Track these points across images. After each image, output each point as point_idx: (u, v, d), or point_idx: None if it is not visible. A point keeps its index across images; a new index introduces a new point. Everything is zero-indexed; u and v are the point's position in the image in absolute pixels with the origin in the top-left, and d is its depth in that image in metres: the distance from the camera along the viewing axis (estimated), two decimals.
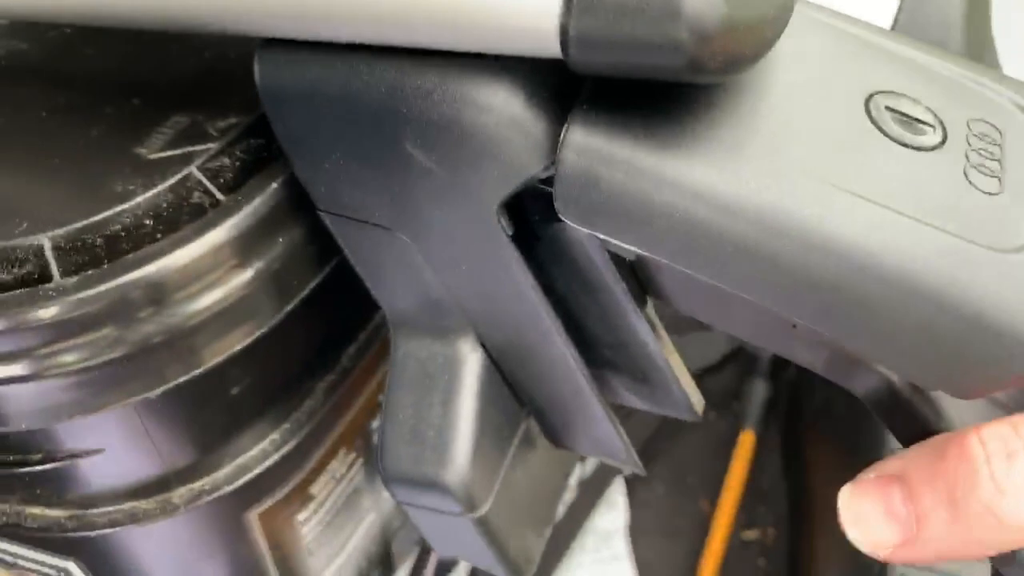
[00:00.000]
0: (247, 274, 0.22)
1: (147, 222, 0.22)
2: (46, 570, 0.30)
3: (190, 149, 0.24)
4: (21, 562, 0.30)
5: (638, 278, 0.25)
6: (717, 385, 0.71)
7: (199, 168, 0.23)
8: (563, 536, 0.63)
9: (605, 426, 0.27)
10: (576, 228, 0.21)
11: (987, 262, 0.18)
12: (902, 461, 0.21)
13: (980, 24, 0.37)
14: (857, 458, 0.52)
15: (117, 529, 0.26)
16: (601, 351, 0.26)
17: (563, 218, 0.21)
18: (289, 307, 0.24)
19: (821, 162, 0.19)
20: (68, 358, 0.20)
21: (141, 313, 0.21)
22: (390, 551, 0.41)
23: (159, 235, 0.22)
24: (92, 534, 0.26)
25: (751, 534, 0.63)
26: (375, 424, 0.35)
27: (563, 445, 0.29)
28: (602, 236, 0.21)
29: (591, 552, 0.61)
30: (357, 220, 0.23)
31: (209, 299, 0.22)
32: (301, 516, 0.31)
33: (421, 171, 0.21)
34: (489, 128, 0.20)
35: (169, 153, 0.24)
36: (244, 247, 0.22)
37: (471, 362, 0.25)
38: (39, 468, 0.24)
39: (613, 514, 0.63)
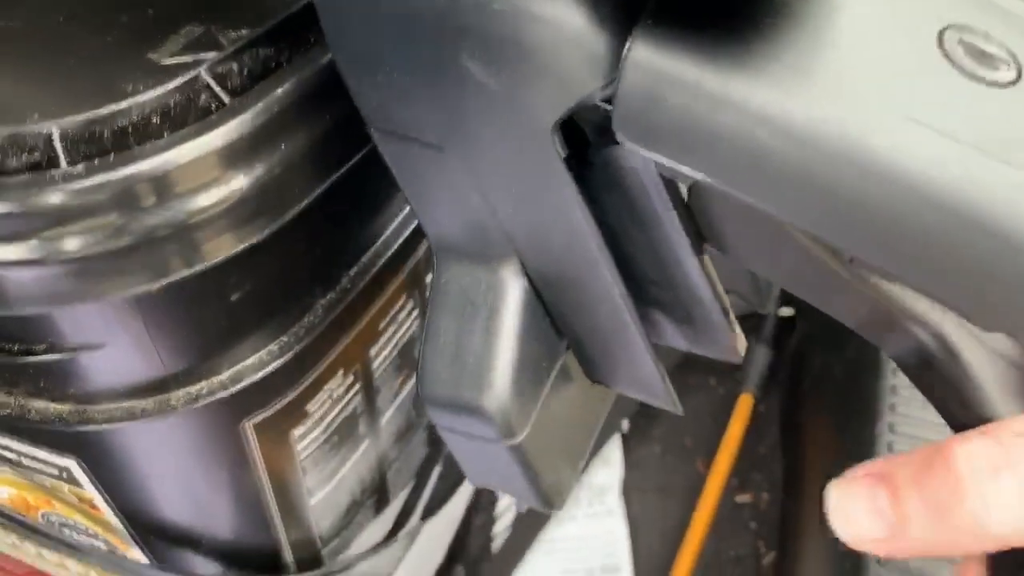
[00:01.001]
0: (249, 176, 0.23)
1: (154, 119, 0.22)
2: (49, 469, 0.31)
3: (201, 56, 0.24)
4: (25, 460, 0.31)
5: (692, 216, 0.24)
6: None
7: (207, 71, 0.23)
8: None
9: (646, 363, 0.26)
10: (631, 155, 0.21)
11: None
12: (889, 464, 0.22)
13: None
14: (850, 428, 0.53)
15: (116, 425, 0.27)
16: (647, 288, 0.26)
17: (621, 139, 0.20)
18: (289, 214, 0.24)
19: (890, 92, 0.19)
20: (71, 244, 0.21)
21: (144, 204, 0.21)
22: (385, 481, 0.42)
23: (165, 132, 0.22)
24: (92, 429, 0.27)
25: (744, 497, 0.63)
26: (374, 351, 0.35)
27: (600, 381, 0.29)
28: (660, 159, 0.20)
29: (584, 506, 0.62)
30: (407, 138, 0.23)
31: (211, 197, 0.22)
32: (296, 432, 0.32)
33: (476, 86, 0.20)
34: (548, 42, 0.19)
35: (180, 59, 0.24)
36: (247, 149, 0.23)
37: (514, 290, 0.25)
38: (43, 358, 0.25)
39: (609, 470, 0.64)
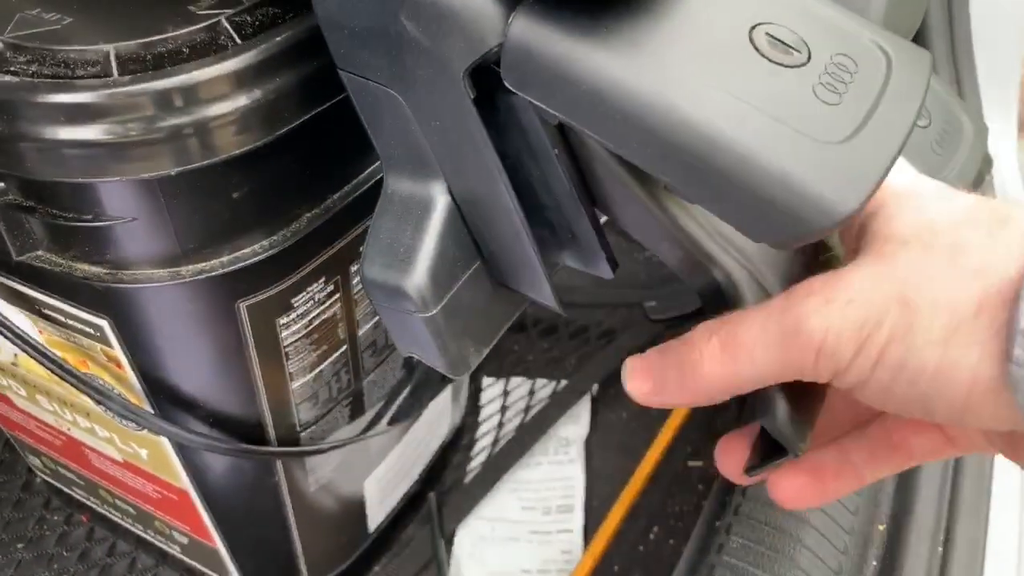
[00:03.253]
0: (250, 98, 0.31)
1: (184, 50, 0.31)
2: (87, 328, 0.39)
3: (225, 9, 0.33)
4: (70, 321, 0.40)
5: (574, 155, 0.32)
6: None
7: (227, 20, 0.32)
8: (529, 438, 0.71)
9: (536, 270, 0.34)
10: (520, 100, 0.28)
11: (806, 148, 0.25)
12: (664, 345, 0.31)
13: (908, 5, 0.44)
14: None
15: (139, 286, 0.35)
16: (542, 212, 0.33)
17: (505, 83, 0.27)
18: (279, 132, 0.32)
19: (699, 63, 0.26)
20: (113, 131, 0.29)
21: (173, 108, 0.30)
22: (361, 389, 0.50)
23: (191, 60, 0.30)
24: (121, 287, 0.35)
25: (696, 463, 0.70)
26: (355, 268, 0.43)
27: (503, 283, 0.36)
28: (533, 101, 0.27)
29: (551, 454, 0.70)
30: (363, 78, 0.30)
31: (220, 109, 0.30)
32: (281, 320, 0.40)
33: (410, 40, 0.28)
34: (460, 10, 0.27)
35: (210, 11, 0.33)
36: (249, 78, 0.31)
37: (439, 204, 0.32)
38: (89, 225, 0.33)
39: (576, 426, 0.71)
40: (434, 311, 0.32)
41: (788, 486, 0.33)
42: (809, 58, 0.27)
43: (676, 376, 0.30)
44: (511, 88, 0.28)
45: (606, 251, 0.33)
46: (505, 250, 0.34)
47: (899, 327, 0.26)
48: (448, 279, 0.33)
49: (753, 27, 0.28)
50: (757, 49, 0.27)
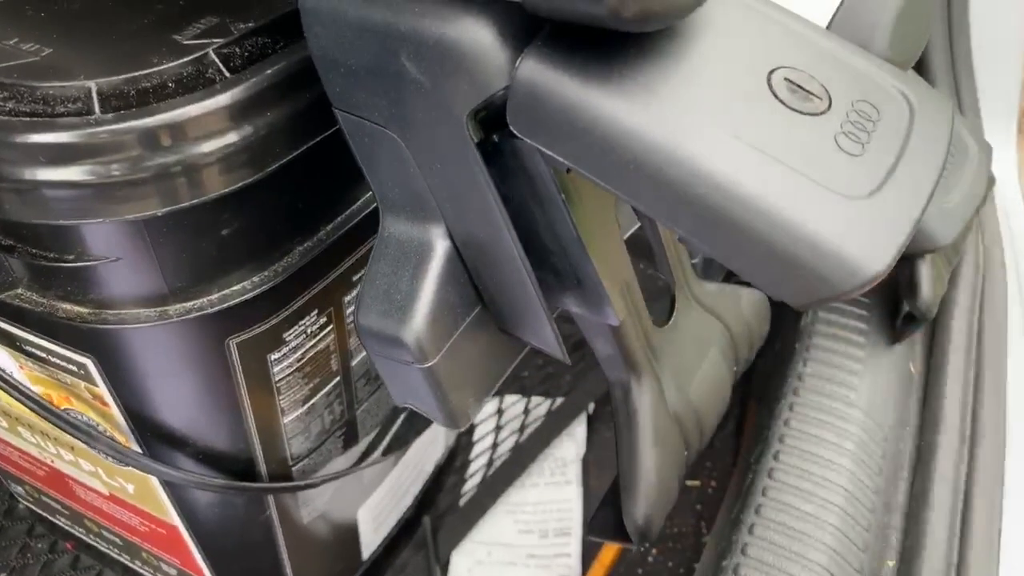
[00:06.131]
0: (239, 134, 0.29)
1: (171, 85, 0.29)
2: (70, 366, 0.38)
3: (213, 40, 0.31)
4: (52, 358, 0.38)
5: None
6: None
7: (214, 52, 0.30)
8: (525, 458, 0.70)
9: (541, 317, 0.32)
10: (525, 144, 0.27)
11: (830, 203, 0.24)
12: None
13: (913, 28, 0.43)
14: (762, 412, 0.58)
15: (125, 327, 0.34)
16: (547, 257, 0.32)
17: (511, 128, 0.26)
18: (270, 168, 0.31)
19: (716, 111, 0.25)
20: (95, 172, 0.28)
21: (155, 147, 0.28)
22: (355, 420, 0.49)
23: (178, 95, 0.29)
24: (106, 328, 0.34)
25: (694, 482, 0.69)
26: (348, 299, 0.42)
27: (506, 330, 0.34)
28: (539, 147, 0.26)
29: (547, 475, 0.68)
30: (360, 118, 0.29)
31: (209, 147, 0.29)
32: (273, 356, 0.39)
33: (411, 81, 0.26)
34: (465, 51, 0.25)
35: (197, 41, 0.31)
36: (239, 113, 0.29)
37: (439, 248, 0.31)
38: (72, 265, 0.32)
39: (573, 445, 0.70)
40: (433, 361, 0.31)
41: None
42: (830, 105, 0.26)
43: None
44: (517, 133, 0.26)
45: (609, 296, 0.32)
46: (507, 296, 0.32)
47: None
48: (448, 327, 0.32)
49: (772, 71, 0.26)
50: (776, 96, 0.26)
